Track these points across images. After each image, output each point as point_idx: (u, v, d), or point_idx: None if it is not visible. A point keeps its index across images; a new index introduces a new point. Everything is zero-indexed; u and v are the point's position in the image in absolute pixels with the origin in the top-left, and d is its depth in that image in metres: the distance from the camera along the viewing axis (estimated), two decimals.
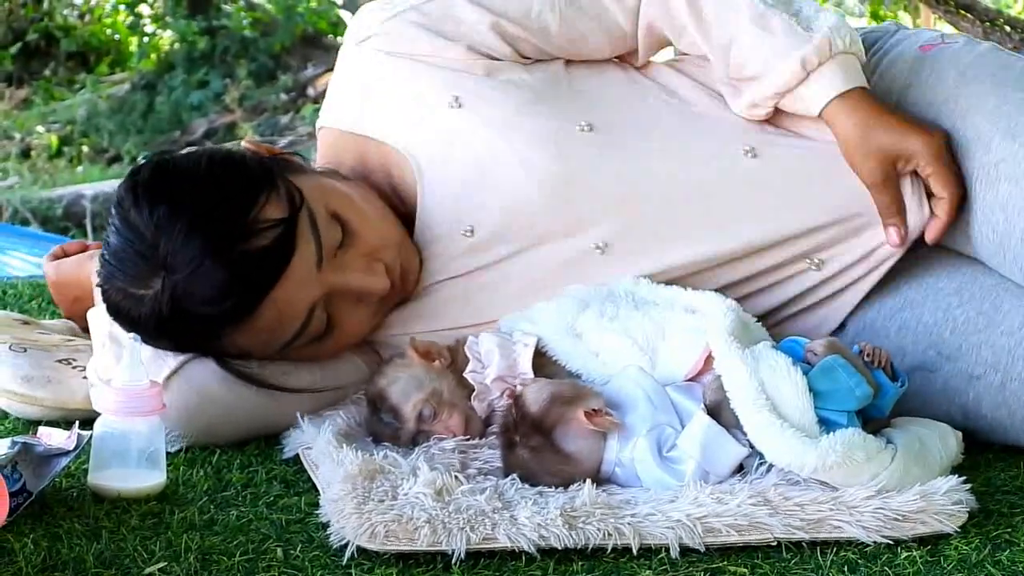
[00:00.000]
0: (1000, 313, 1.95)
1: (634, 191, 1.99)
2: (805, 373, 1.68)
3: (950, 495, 1.64)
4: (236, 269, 1.84)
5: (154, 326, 1.88)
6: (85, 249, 2.29)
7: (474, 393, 1.89)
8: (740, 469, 1.71)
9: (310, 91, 10.90)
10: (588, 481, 1.67)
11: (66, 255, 2.29)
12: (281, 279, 1.87)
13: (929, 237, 1.99)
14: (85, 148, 10.70)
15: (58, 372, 2.12)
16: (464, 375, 1.88)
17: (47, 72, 12.17)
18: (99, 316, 1.99)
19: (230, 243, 1.84)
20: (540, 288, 1.99)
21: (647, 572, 1.53)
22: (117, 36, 12.66)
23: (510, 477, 1.71)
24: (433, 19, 2.05)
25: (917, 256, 2.06)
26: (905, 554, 1.57)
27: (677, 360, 1.81)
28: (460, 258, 2.03)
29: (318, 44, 11.64)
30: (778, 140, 2.02)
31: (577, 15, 2.05)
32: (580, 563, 1.55)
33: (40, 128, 10.92)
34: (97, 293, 1.98)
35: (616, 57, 2.12)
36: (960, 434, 1.81)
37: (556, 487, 1.69)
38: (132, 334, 1.79)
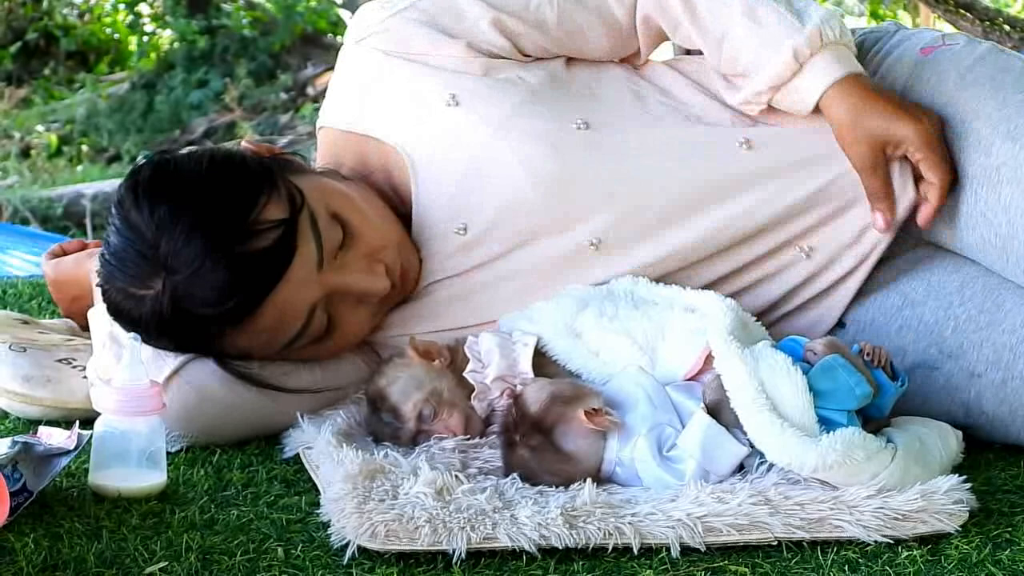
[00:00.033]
0: (1002, 311, 1.96)
1: (626, 186, 1.99)
2: (805, 372, 1.68)
3: (950, 494, 1.64)
4: (237, 270, 1.84)
5: (154, 326, 1.87)
6: (84, 247, 2.28)
7: (474, 393, 1.89)
8: (740, 468, 1.71)
9: (309, 90, 10.91)
10: (588, 480, 1.67)
11: (65, 253, 2.28)
12: (282, 280, 1.87)
13: (920, 221, 2.00)
14: (85, 147, 10.71)
15: (58, 372, 2.12)
16: (464, 375, 1.88)
17: (47, 71, 12.18)
18: (99, 316, 1.99)
19: (231, 244, 1.84)
20: (538, 286, 2.00)
21: (648, 571, 1.53)
22: (117, 35, 12.67)
23: (510, 477, 1.71)
24: (432, 16, 2.06)
25: (918, 255, 2.06)
26: (905, 553, 1.57)
27: (677, 359, 1.81)
28: (455, 257, 2.03)
29: (317, 43, 11.65)
30: (772, 131, 2.03)
31: (575, 8, 2.06)
32: (581, 562, 1.55)
33: (40, 127, 10.93)
34: (97, 292, 1.98)
35: (623, 66, 2.13)
36: (960, 433, 1.81)
37: (556, 486, 1.69)
38: (132, 334, 1.79)
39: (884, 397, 1.75)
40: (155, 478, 1.75)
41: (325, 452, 1.79)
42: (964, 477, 1.68)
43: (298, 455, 1.88)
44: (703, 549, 1.57)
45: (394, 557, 1.55)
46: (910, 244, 2.07)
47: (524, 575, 1.53)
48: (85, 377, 2.06)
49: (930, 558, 1.56)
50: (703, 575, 1.53)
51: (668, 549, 1.57)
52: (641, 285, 1.95)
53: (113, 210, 1.90)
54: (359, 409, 1.96)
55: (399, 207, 2.07)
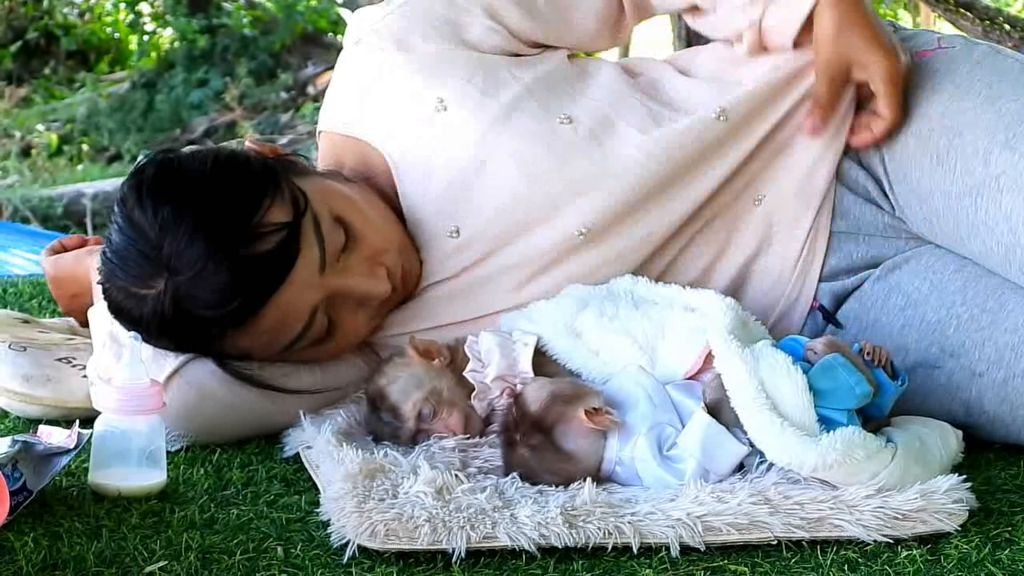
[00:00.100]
0: (1004, 311, 1.96)
1: (606, 171, 2.00)
2: (805, 371, 1.68)
3: (950, 494, 1.64)
4: (239, 273, 1.84)
5: (155, 326, 1.87)
6: (84, 244, 2.27)
7: (474, 392, 1.89)
8: (740, 468, 1.71)
9: (310, 89, 10.91)
10: (588, 480, 1.67)
11: (64, 249, 2.26)
12: (284, 283, 1.87)
13: (854, 142, 2.06)
14: (85, 146, 10.71)
15: (58, 371, 2.12)
16: (464, 374, 1.88)
17: (47, 71, 12.18)
18: (100, 315, 1.99)
19: (234, 246, 1.84)
20: (534, 281, 2.00)
21: (647, 571, 1.53)
22: (117, 35, 12.68)
23: (510, 476, 1.71)
24: (425, 13, 2.07)
25: (920, 255, 2.06)
26: (905, 553, 1.57)
27: (677, 358, 1.81)
28: (450, 258, 2.03)
29: (318, 42, 11.65)
30: (746, 98, 2.05)
31: None
32: (580, 562, 1.55)
33: (40, 127, 10.93)
34: (97, 291, 1.97)
35: (615, 63, 2.14)
36: (960, 433, 1.81)
37: (556, 486, 1.69)
38: (132, 333, 1.79)
39: (884, 396, 1.75)
40: (155, 477, 1.75)
41: (325, 451, 1.79)
42: (964, 477, 1.68)
43: (298, 454, 1.88)
44: (703, 548, 1.57)
45: (394, 556, 1.55)
46: (912, 244, 2.07)
47: (524, 574, 1.53)
48: (85, 376, 2.06)
49: (930, 558, 1.56)
50: (703, 574, 1.53)
51: (668, 548, 1.57)
52: (641, 284, 1.96)
53: (116, 208, 1.90)
54: (359, 408, 1.96)
55: (400, 209, 2.07)
